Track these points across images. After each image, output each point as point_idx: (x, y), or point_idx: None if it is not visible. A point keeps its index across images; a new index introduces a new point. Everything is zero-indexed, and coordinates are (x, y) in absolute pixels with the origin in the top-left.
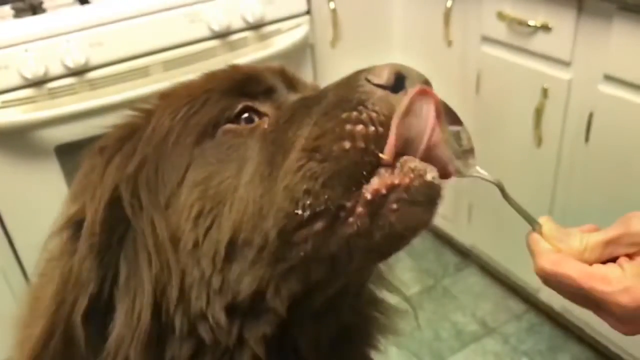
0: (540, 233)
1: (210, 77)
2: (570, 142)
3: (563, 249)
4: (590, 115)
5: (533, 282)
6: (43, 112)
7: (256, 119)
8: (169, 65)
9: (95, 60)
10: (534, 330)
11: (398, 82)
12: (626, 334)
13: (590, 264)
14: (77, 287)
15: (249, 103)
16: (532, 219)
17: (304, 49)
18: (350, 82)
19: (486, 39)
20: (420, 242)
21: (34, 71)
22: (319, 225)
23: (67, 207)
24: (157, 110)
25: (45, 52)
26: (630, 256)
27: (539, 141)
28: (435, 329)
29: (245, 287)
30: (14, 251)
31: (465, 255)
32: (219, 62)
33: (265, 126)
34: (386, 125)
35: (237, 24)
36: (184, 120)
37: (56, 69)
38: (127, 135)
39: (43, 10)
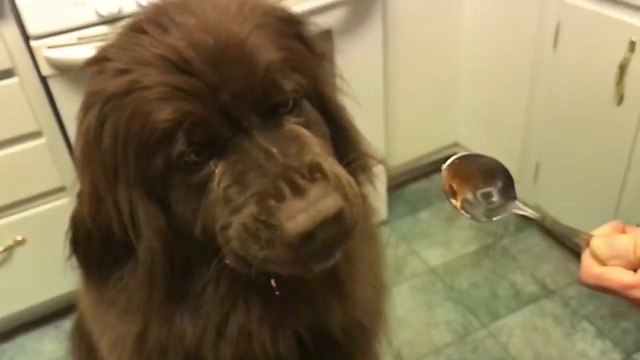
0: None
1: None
2: None
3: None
4: None
5: None
6: None
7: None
8: None
9: None
10: (595, 295)
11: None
12: None
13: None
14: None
15: (201, 149)
16: (582, 234)
17: None
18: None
19: None
20: None
21: (108, 8)
22: None
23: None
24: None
25: None
26: None
27: (619, 98)
28: (492, 287)
29: None
30: None
31: (524, 216)
32: None
33: (215, 183)
34: None
35: None
36: (148, 149)
37: (130, 6)
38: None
39: None
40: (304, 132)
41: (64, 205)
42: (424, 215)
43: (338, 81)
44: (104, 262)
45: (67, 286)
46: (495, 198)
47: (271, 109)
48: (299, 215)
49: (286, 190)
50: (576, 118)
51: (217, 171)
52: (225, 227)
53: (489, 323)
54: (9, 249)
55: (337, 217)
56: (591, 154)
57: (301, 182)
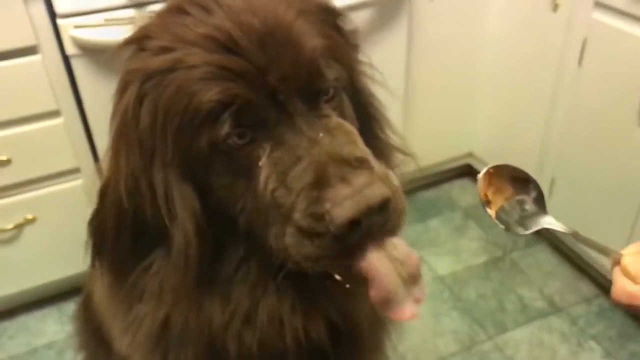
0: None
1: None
2: None
3: None
4: None
5: (608, 267)
6: None
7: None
8: None
9: None
10: (604, 316)
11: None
12: None
13: None
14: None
15: (246, 131)
16: (612, 253)
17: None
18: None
19: (599, 5)
20: None
21: None
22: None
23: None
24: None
25: None
26: None
27: None
28: (500, 300)
29: None
30: (94, 156)
31: (538, 230)
32: None
33: (260, 163)
34: None
35: None
36: (192, 127)
37: None
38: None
39: None
40: (352, 128)
41: (77, 187)
42: (433, 223)
43: (369, 69)
44: (133, 248)
45: (73, 268)
46: (528, 206)
47: (313, 95)
48: (345, 201)
49: (332, 178)
50: (596, 135)
51: (261, 164)
52: (280, 235)
53: (495, 335)
54: (19, 227)
55: (383, 207)
56: (609, 173)
57: (347, 170)
